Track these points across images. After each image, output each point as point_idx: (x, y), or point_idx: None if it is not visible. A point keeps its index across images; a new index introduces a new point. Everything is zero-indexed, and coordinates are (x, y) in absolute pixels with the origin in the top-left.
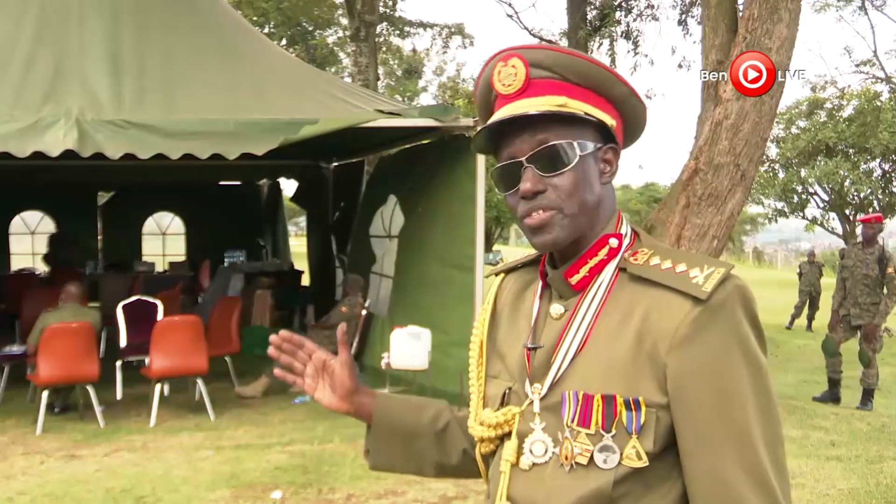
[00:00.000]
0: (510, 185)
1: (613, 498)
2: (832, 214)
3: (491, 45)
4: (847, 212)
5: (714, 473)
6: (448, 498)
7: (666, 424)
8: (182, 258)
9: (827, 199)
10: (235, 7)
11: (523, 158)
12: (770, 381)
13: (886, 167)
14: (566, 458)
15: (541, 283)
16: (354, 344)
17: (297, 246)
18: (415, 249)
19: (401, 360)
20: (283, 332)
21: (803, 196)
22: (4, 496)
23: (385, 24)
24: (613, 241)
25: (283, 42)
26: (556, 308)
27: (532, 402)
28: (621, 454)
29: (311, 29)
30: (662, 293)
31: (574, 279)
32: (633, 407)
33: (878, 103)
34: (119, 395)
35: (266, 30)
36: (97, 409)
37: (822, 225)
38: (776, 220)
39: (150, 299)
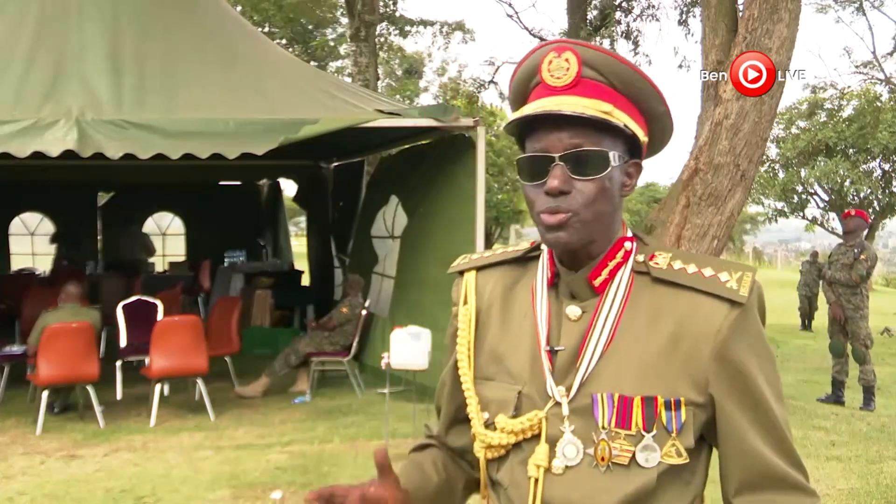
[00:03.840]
0: (536, 177)
1: (655, 494)
2: (832, 214)
3: (491, 44)
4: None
5: (760, 457)
6: None
7: (701, 421)
8: (182, 258)
9: (827, 199)
10: (233, 5)
11: (556, 155)
12: None
13: (886, 167)
14: (602, 460)
15: (546, 283)
16: (354, 344)
17: (297, 246)
18: (415, 249)
19: (401, 360)
20: (312, 493)
21: (803, 196)
22: (4, 496)
23: (385, 23)
24: (628, 245)
25: (283, 42)
26: (574, 310)
27: (559, 405)
28: (661, 453)
29: (310, 29)
30: (696, 297)
31: (597, 281)
32: (672, 407)
33: (878, 104)
34: (119, 395)
35: (266, 29)
36: (97, 409)
37: (822, 225)
38: (776, 220)
39: (150, 299)
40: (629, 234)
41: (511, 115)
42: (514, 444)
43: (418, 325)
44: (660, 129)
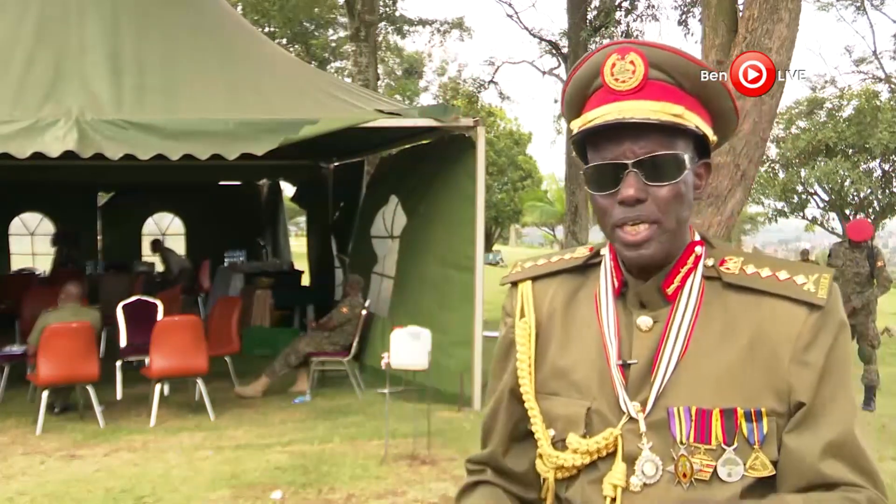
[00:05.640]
0: (607, 186)
1: None
2: (832, 214)
3: (491, 44)
4: (847, 212)
5: (821, 459)
6: (448, 498)
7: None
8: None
9: (827, 199)
10: (234, 5)
11: (629, 162)
12: None
13: (886, 167)
14: (684, 476)
15: (612, 293)
16: (354, 344)
17: (297, 246)
18: (415, 250)
19: (400, 359)
20: None
21: (803, 196)
22: (4, 496)
23: (384, 23)
24: (699, 249)
25: (283, 42)
26: (645, 320)
27: (635, 421)
28: (745, 465)
29: (311, 29)
30: (772, 301)
31: (670, 289)
32: (753, 418)
33: (878, 103)
34: (119, 395)
35: (266, 29)
36: (97, 409)
37: (822, 225)
38: (776, 220)
39: (150, 299)
40: (696, 237)
41: (575, 125)
42: (586, 465)
43: (418, 325)
44: (724, 125)
